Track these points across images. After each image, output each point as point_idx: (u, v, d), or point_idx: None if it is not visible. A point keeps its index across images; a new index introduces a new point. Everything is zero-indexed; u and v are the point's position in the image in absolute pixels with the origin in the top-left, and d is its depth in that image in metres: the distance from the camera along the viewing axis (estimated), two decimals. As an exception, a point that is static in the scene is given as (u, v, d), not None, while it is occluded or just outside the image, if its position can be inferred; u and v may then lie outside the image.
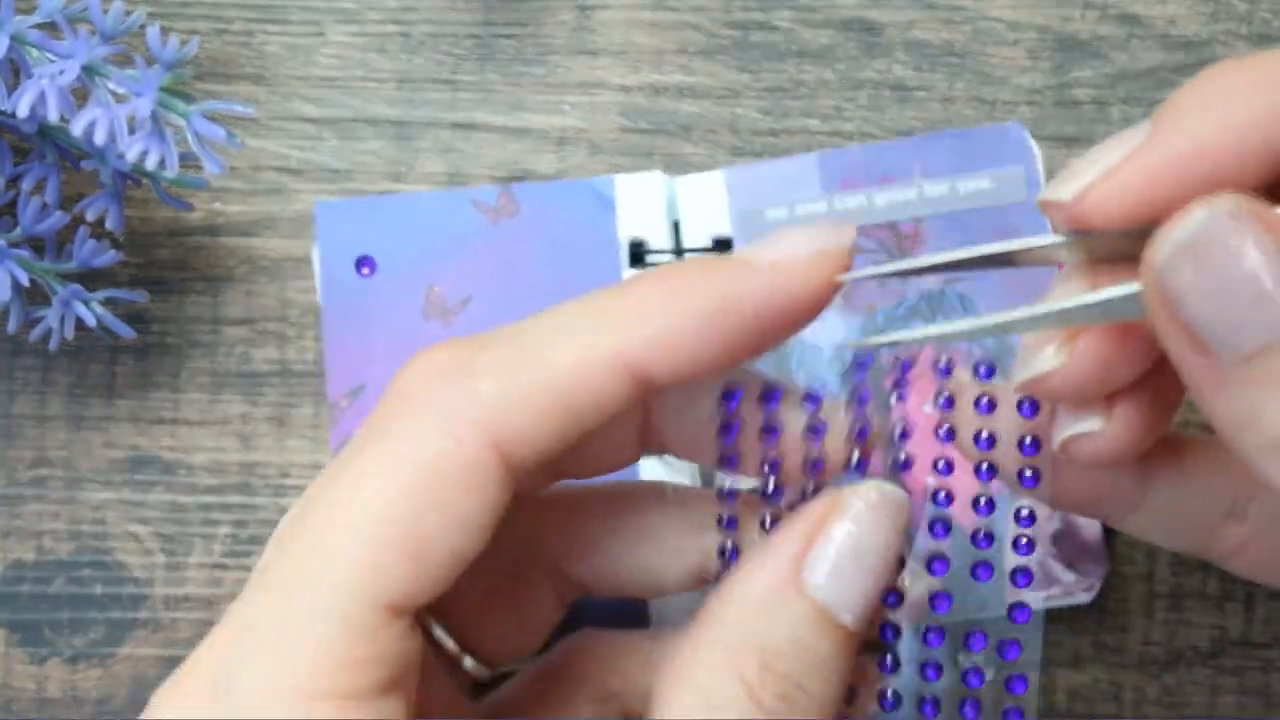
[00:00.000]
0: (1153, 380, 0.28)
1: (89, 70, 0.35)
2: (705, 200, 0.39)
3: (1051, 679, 0.39)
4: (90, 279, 0.39)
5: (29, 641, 0.40)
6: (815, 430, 0.30)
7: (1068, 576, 0.38)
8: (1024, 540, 0.31)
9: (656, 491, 0.33)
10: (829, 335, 0.38)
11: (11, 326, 0.37)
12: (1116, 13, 0.40)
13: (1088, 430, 0.28)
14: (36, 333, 0.38)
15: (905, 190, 0.39)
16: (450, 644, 0.32)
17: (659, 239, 0.39)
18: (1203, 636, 0.39)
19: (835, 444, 0.30)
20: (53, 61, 0.35)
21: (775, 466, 0.30)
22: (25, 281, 0.36)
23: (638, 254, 0.39)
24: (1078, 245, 0.27)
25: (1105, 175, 0.26)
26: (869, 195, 0.39)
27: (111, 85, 0.35)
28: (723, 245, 0.39)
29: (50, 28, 0.36)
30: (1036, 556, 0.33)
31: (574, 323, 0.28)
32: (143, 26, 0.35)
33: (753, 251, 0.28)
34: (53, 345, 0.38)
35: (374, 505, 0.27)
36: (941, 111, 0.40)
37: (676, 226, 0.39)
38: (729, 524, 0.30)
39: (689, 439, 0.31)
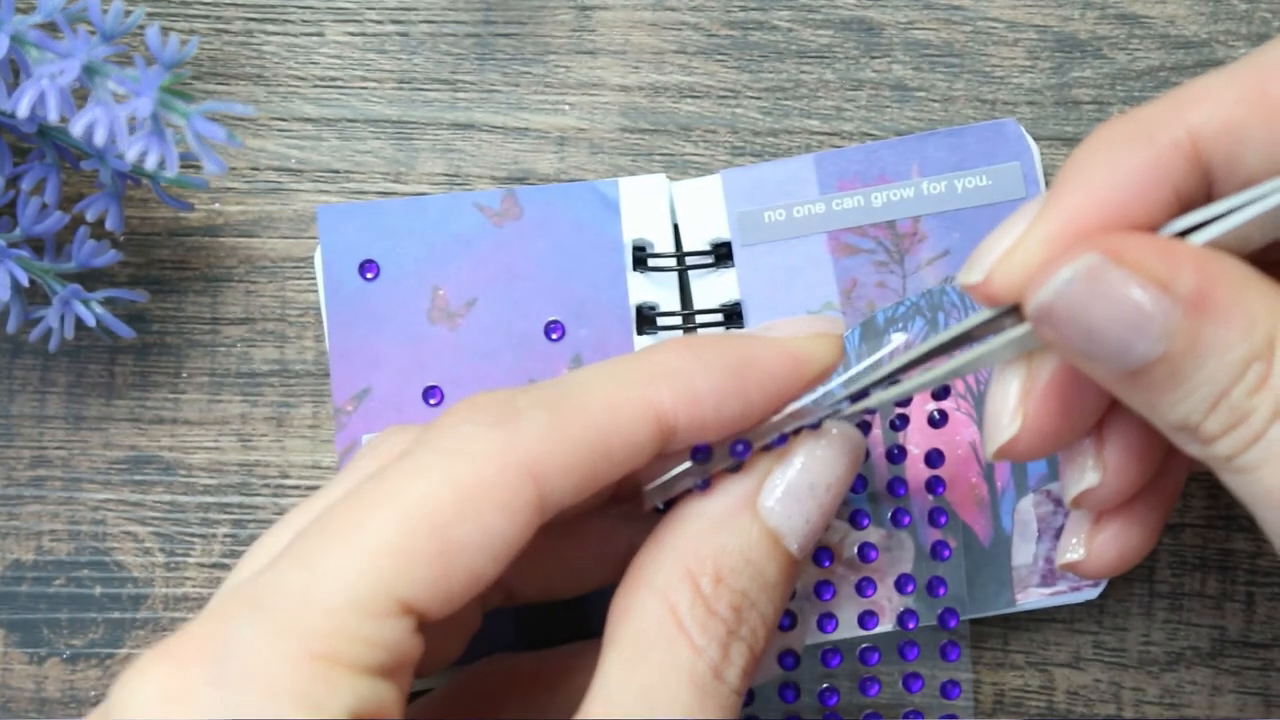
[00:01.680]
0: (1132, 424, 0.30)
1: (89, 70, 0.34)
2: (702, 204, 0.39)
3: (1051, 679, 0.39)
4: (90, 279, 0.39)
5: (28, 641, 0.40)
6: None
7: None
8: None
9: None
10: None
11: (11, 326, 0.37)
12: (1116, 13, 0.40)
13: (1088, 486, 0.31)
14: (36, 333, 0.38)
15: (903, 189, 0.39)
16: None
17: (663, 242, 0.39)
18: (1203, 636, 0.39)
19: None
20: (53, 61, 0.34)
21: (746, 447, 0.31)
22: (25, 281, 0.36)
23: (640, 257, 0.39)
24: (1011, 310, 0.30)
25: (1005, 255, 0.28)
26: (866, 195, 0.39)
27: (111, 85, 0.35)
28: (721, 248, 0.39)
29: (50, 28, 0.36)
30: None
31: (606, 375, 0.30)
32: (142, 26, 0.35)
33: (761, 329, 0.32)
34: (52, 345, 0.38)
35: (410, 506, 0.27)
36: (941, 111, 0.40)
37: (676, 230, 0.39)
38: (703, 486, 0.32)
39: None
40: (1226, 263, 0.27)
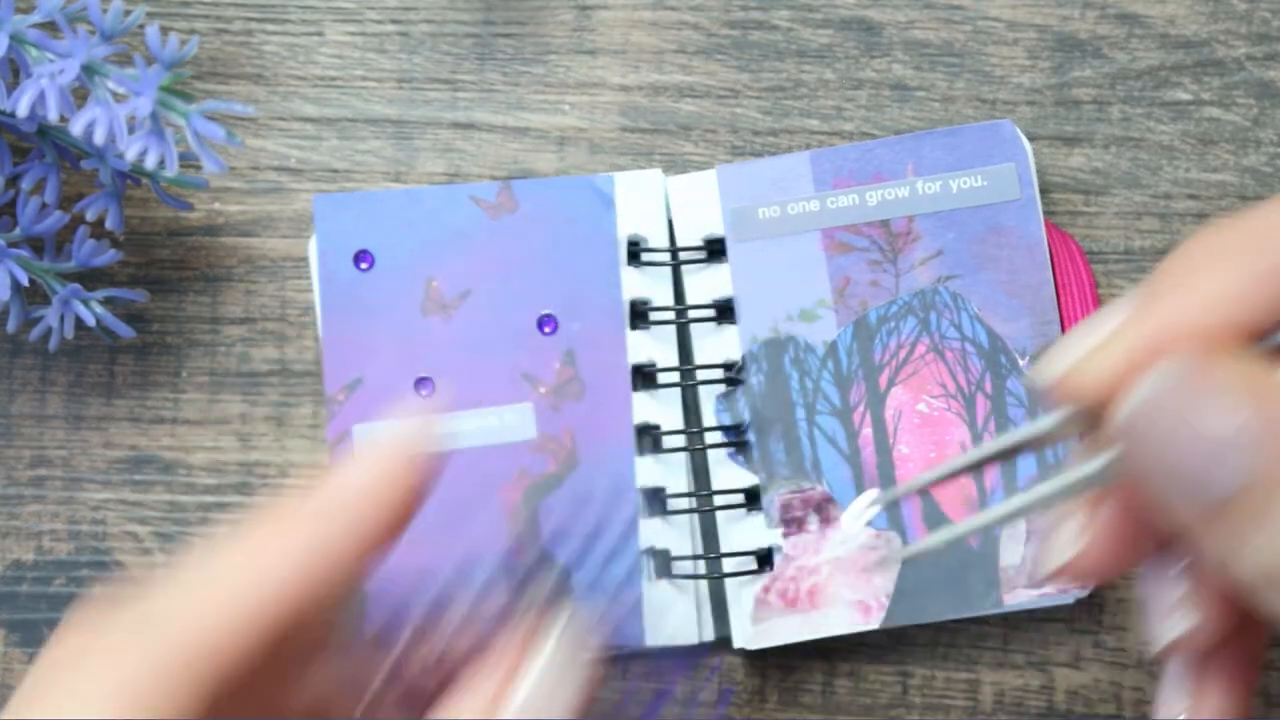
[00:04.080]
0: None
1: (89, 70, 0.35)
2: (697, 199, 0.39)
3: (1051, 679, 0.39)
4: (90, 279, 0.39)
5: (28, 641, 0.40)
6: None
7: (1064, 575, 0.38)
8: None
9: None
10: (822, 334, 0.38)
11: (11, 326, 0.37)
12: (1116, 12, 0.40)
13: (1183, 631, 0.28)
14: (36, 332, 0.38)
15: (898, 188, 0.39)
16: None
17: (658, 237, 0.39)
18: (1203, 637, 0.39)
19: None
20: (52, 61, 0.35)
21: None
22: (25, 281, 0.36)
23: (635, 252, 0.39)
24: (1084, 415, 0.27)
25: (1092, 352, 0.26)
26: (861, 193, 0.39)
27: (111, 85, 0.35)
28: (714, 244, 0.39)
29: (50, 27, 0.36)
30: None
31: (209, 589, 0.26)
32: (142, 26, 0.36)
33: (341, 475, 0.27)
34: (52, 345, 0.38)
35: None
36: (941, 111, 0.40)
37: (671, 225, 0.39)
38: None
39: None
40: None
